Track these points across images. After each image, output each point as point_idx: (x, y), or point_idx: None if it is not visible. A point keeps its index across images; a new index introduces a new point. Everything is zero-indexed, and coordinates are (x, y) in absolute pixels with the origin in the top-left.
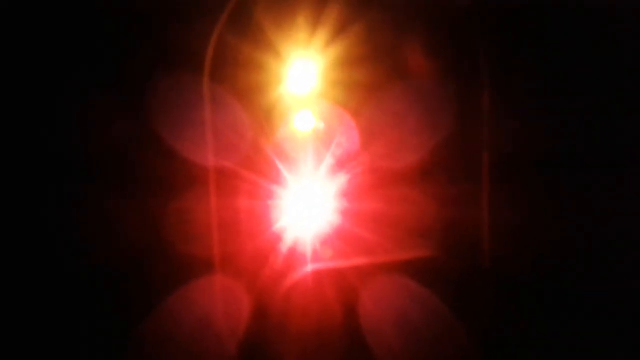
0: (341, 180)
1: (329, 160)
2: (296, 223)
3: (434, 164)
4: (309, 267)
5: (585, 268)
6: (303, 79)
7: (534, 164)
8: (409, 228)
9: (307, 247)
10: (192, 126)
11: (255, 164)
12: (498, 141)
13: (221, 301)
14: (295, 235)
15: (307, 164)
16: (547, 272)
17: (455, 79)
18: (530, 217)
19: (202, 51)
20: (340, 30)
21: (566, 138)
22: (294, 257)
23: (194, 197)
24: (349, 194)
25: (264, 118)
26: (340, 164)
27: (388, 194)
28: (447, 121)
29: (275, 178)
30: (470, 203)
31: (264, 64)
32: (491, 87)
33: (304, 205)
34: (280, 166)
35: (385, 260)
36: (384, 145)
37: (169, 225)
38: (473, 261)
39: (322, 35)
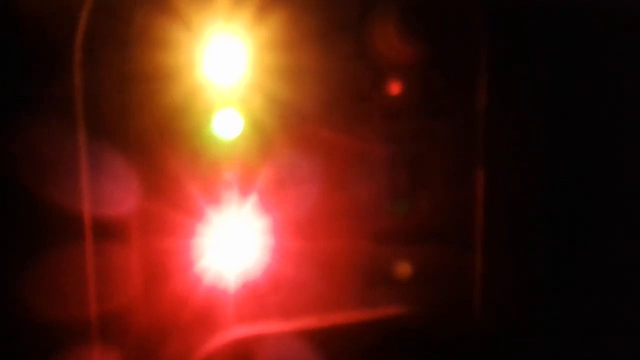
0: (278, 209)
1: (261, 182)
2: (214, 270)
3: (404, 187)
4: (231, 334)
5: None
6: (226, 65)
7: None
8: (373, 275)
9: (228, 303)
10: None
11: (155, 190)
12: (497, 159)
13: None
14: (213, 287)
15: (232, 187)
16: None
17: (441, 74)
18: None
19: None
20: None
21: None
22: (210, 318)
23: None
24: (290, 228)
25: (170, 122)
26: (277, 187)
27: (344, 227)
28: (424, 131)
29: (184, 209)
30: (458, 242)
31: (167, 44)
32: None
33: (226, 247)
34: (194, 192)
35: (341, 320)
36: (335, 160)
37: (32, 284)
38: (461, 321)
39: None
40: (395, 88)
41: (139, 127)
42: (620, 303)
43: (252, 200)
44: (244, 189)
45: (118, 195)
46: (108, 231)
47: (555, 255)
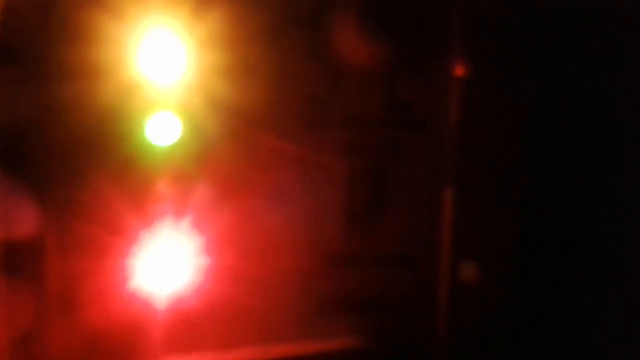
0: (217, 225)
1: (199, 195)
2: (143, 294)
3: (363, 204)
4: None
5: None
6: (162, 63)
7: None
8: (326, 301)
9: (158, 331)
10: None
11: (76, 205)
12: (469, 175)
13: None
14: (141, 313)
15: (165, 200)
16: None
17: (409, 79)
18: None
19: None
20: None
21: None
22: (136, 347)
23: None
24: (230, 246)
25: (96, 126)
26: (217, 201)
27: (293, 247)
28: (387, 142)
29: (110, 226)
30: (422, 267)
31: (96, 39)
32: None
33: (157, 267)
34: (121, 206)
35: (287, 352)
36: (284, 171)
37: None
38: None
39: None
40: (355, 93)
41: (59, 132)
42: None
43: (188, 215)
44: (180, 203)
45: (28, 211)
46: (16, 253)
47: (535, 286)
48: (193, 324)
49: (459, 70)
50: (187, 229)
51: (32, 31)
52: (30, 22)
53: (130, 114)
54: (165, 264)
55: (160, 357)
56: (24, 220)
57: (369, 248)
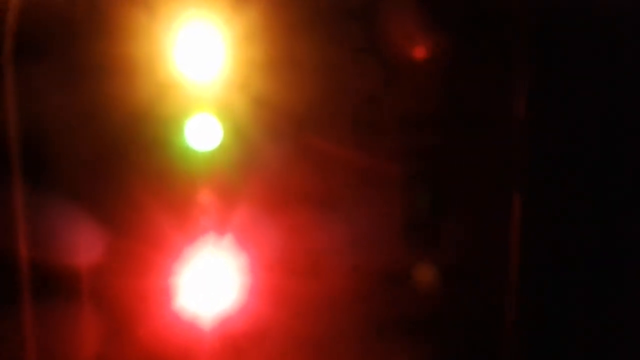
0: (265, 241)
1: (245, 205)
2: (186, 317)
3: (423, 214)
4: None
5: None
6: (201, 61)
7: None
8: (384, 323)
9: (201, 354)
10: None
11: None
12: (538, 180)
13: None
14: (185, 338)
15: (208, 212)
16: None
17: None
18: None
19: None
20: None
21: None
22: None
23: None
24: (279, 264)
25: (132, 131)
26: (264, 212)
27: (347, 264)
28: (450, 145)
29: (150, 242)
30: (488, 282)
31: (131, 35)
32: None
33: (201, 288)
34: (161, 219)
35: None
36: (336, 178)
37: None
38: None
39: None
40: (412, 91)
41: (92, 137)
42: None
43: (232, 228)
44: (223, 214)
45: (64, 231)
46: (53, 279)
47: (604, 305)
48: (241, 347)
49: (524, 67)
50: (231, 244)
51: (63, 25)
52: (61, 16)
53: (168, 117)
54: (210, 282)
55: None
56: (61, 238)
57: (430, 263)
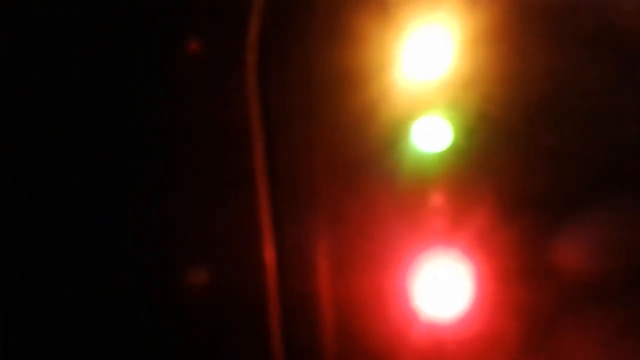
0: (506, 245)
1: (481, 209)
2: (419, 324)
3: None
4: None
5: None
6: (429, 60)
7: None
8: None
9: None
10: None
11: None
12: None
13: None
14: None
15: (441, 216)
16: None
17: None
18: None
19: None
20: None
21: None
22: None
23: None
24: (524, 272)
25: (362, 133)
26: (504, 215)
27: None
28: None
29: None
30: None
31: (359, 38)
32: None
33: (434, 293)
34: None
35: None
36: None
37: None
38: None
39: None
40: None
41: (326, 141)
42: None
43: (466, 232)
44: (456, 218)
45: (303, 227)
46: (289, 273)
47: None
48: (476, 353)
49: None
50: (464, 248)
51: (294, 34)
52: (291, 25)
53: (395, 119)
54: (443, 286)
55: None
56: (295, 236)
57: None
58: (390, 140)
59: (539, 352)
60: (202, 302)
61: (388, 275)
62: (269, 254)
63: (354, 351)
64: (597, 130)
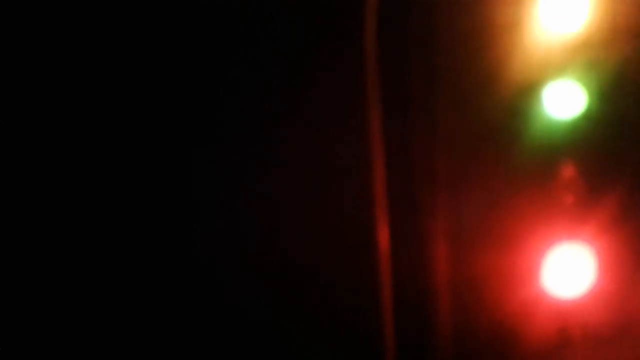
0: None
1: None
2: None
3: None
4: None
5: None
6: (562, 15)
7: None
8: None
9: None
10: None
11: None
12: None
13: None
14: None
15: (574, 188)
16: None
17: None
18: None
19: None
20: None
21: None
22: None
23: None
24: None
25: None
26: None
27: None
28: None
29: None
30: None
31: None
32: None
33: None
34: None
35: None
36: None
37: None
38: None
39: None
40: None
41: (447, 112)
42: None
43: (603, 210)
44: (588, 190)
45: (420, 210)
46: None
47: None
48: (605, 338)
49: None
50: (596, 222)
51: None
52: None
53: (525, 82)
54: (572, 264)
55: None
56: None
57: None
58: (518, 107)
59: None
60: (315, 286)
61: (511, 255)
62: (383, 238)
63: (471, 336)
64: None
